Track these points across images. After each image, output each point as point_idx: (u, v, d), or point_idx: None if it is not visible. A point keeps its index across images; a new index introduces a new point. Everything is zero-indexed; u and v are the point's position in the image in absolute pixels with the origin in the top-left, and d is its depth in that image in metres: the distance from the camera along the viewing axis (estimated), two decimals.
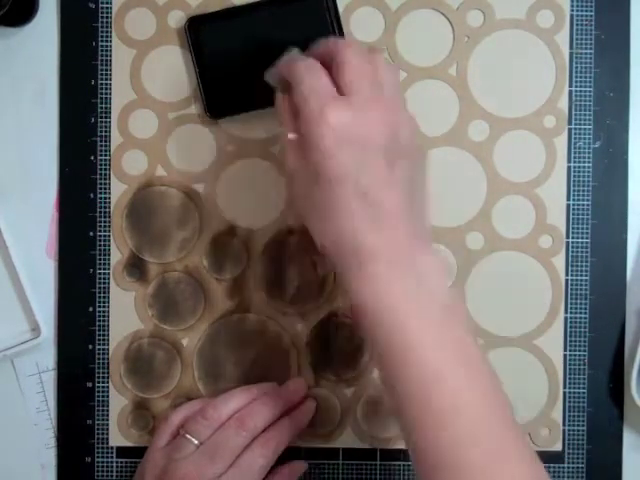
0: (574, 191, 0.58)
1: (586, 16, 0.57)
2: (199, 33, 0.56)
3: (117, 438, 0.58)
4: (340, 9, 0.57)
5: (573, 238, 0.58)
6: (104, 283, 0.58)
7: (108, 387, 0.58)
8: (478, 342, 0.47)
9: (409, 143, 0.46)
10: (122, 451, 0.58)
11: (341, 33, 0.56)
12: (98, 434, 0.58)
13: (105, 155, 0.58)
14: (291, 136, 0.46)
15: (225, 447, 0.53)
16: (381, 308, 0.44)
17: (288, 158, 0.47)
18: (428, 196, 0.49)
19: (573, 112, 0.57)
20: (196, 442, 0.53)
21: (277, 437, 0.54)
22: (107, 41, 0.57)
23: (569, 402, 0.58)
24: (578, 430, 0.58)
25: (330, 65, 0.46)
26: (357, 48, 0.47)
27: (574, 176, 0.58)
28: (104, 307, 0.58)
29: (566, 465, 0.58)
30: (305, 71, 0.46)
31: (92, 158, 0.58)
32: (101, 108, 0.57)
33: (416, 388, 0.44)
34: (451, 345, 0.45)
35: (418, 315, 0.44)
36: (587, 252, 0.58)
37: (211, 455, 0.52)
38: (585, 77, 0.57)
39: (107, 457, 0.58)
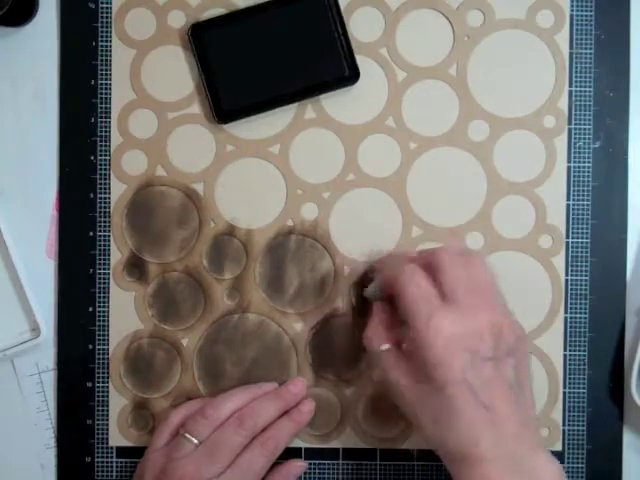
0: (574, 191, 0.58)
1: (586, 16, 0.57)
2: (203, 39, 0.56)
3: (117, 438, 0.58)
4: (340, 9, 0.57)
5: (573, 238, 0.58)
6: (104, 283, 0.58)
7: (108, 387, 0.58)
8: None
9: (513, 340, 0.48)
10: (122, 451, 0.58)
11: (344, 32, 0.56)
12: (98, 434, 0.58)
13: (105, 155, 0.58)
14: (385, 347, 0.49)
15: (225, 446, 0.53)
16: None
17: (388, 368, 0.49)
18: (532, 392, 0.50)
19: (573, 112, 0.57)
20: (195, 441, 0.53)
21: (277, 437, 0.54)
22: (107, 41, 0.57)
23: (569, 402, 0.58)
24: (578, 430, 0.58)
25: (427, 268, 0.49)
26: (453, 252, 0.49)
27: (574, 176, 0.58)
28: (104, 307, 0.58)
29: (566, 465, 0.58)
30: (410, 278, 0.48)
31: (92, 158, 0.58)
32: (101, 108, 0.57)
33: None
34: None
35: None
36: (587, 252, 0.58)
37: (210, 454, 0.52)
38: (585, 77, 0.57)
39: (107, 457, 0.58)
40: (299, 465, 0.57)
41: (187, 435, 0.53)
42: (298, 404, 0.57)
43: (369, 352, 0.51)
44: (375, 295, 0.53)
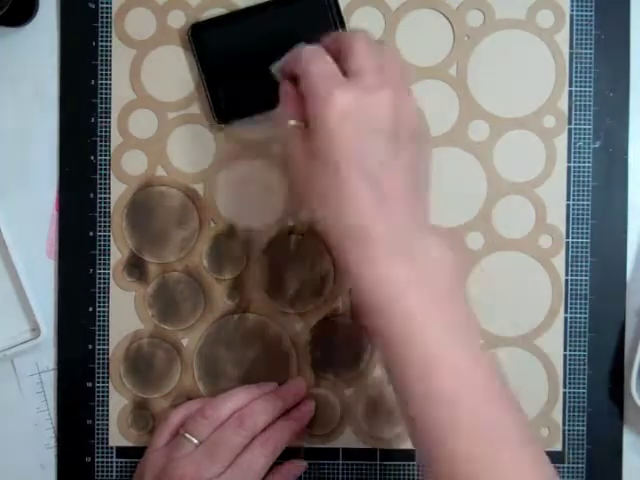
0: (574, 191, 0.58)
1: (586, 16, 0.57)
2: (202, 40, 0.56)
3: (117, 438, 0.58)
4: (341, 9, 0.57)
5: (573, 238, 0.58)
6: (104, 283, 0.58)
7: (108, 387, 0.58)
8: (478, 324, 0.46)
9: (413, 129, 0.46)
10: (122, 451, 0.58)
11: (343, 29, 0.56)
12: (98, 434, 0.58)
13: (105, 155, 0.58)
14: (292, 122, 0.47)
15: (224, 446, 0.53)
16: (380, 292, 0.44)
17: (290, 145, 0.47)
18: (429, 183, 0.48)
19: (573, 112, 0.57)
20: (195, 441, 0.53)
21: (277, 437, 0.54)
22: (107, 41, 0.57)
23: (569, 402, 0.58)
24: (578, 430, 0.58)
25: (337, 55, 0.47)
26: (366, 37, 0.47)
27: (574, 176, 0.58)
28: (104, 307, 0.58)
29: (566, 465, 0.58)
30: (312, 56, 0.46)
31: (92, 158, 0.58)
32: (101, 108, 0.57)
33: (417, 371, 0.44)
34: (452, 329, 0.44)
35: (418, 299, 0.44)
36: (587, 252, 0.58)
37: (210, 454, 0.52)
38: (585, 77, 0.57)
39: (107, 457, 0.58)
40: (299, 465, 0.57)
41: (187, 435, 0.53)
42: (298, 404, 0.57)
43: (280, 130, 0.48)
44: (279, 72, 0.50)
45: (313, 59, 0.46)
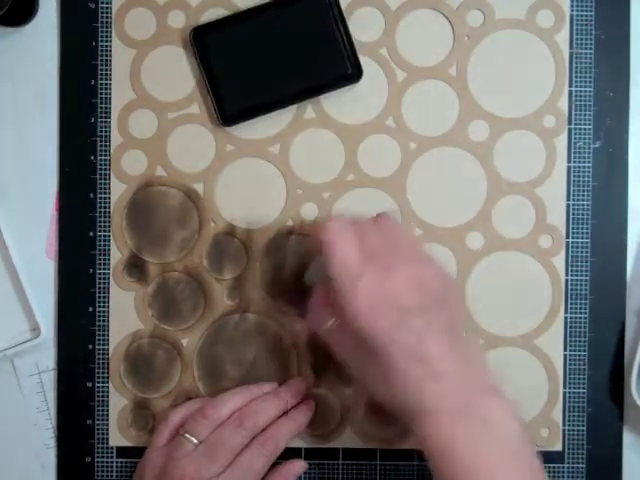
0: (574, 191, 0.58)
1: (586, 16, 0.57)
2: (204, 43, 0.56)
3: (117, 438, 0.58)
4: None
5: (573, 238, 0.58)
6: (104, 283, 0.58)
7: (108, 387, 0.58)
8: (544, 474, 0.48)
9: (438, 288, 0.48)
10: (122, 451, 0.58)
11: (346, 30, 0.56)
12: (98, 434, 0.58)
13: (105, 155, 0.58)
14: (327, 325, 0.50)
15: (224, 446, 0.53)
16: (449, 458, 0.46)
17: (334, 344, 0.50)
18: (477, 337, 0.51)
19: (573, 112, 0.57)
20: (195, 441, 0.53)
21: (276, 436, 0.54)
22: (107, 41, 0.57)
23: (569, 402, 0.58)
24: (578, 430, 0.58)
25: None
26: (365, 221, 0.51)
27: (574, 176, 0.58)
28: (104, 307, 0.58)
29: (566, 465, 0.58)
30: (330, 248, 0.49)
31: (92, 158, 0.58)
32: (101, 108, 0.57)
33: None
34: None
35: (487, 460, 0.46)
36: (587, 252, 0.58)
37: (210, 454, 0.52)
38: (585, 77, 0.57)
39: (107, 457, 0.58)
40: (299, 465, 0.57)
41: (187, 435, 0.53)
42: (298, 404, 0.57)
43: (317, 333, 0.51)
44: (313, 278, 0.52)
45: (330, 251, 0.48)
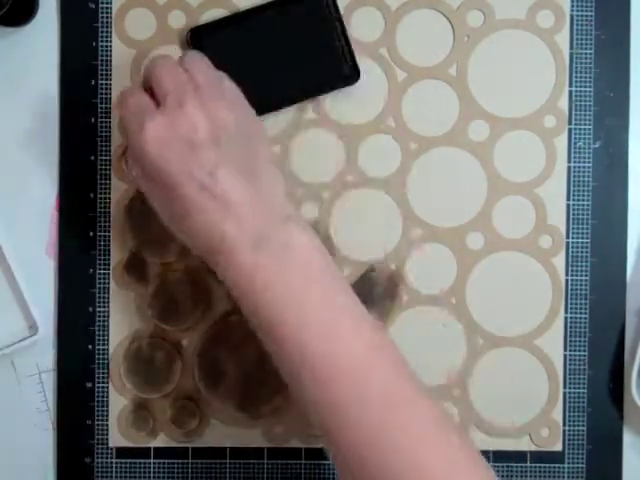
0: (574, 191, 0.58)
1: (586, 16, 0.57)
2: (202, 43, 0.56)
3: (117, 438, 0.58)
4: (340, 9, 0.57)
5: (573, 238, 0.58)
6: (104, 283, 0.58)
7: (108, 387, 0.58)
8: (344, 279, 0.49)
9: (232, 125, 0.48)
10: (122, 452, 0.58)
11: (344, 32, 0.56)
12: (98, 434, 0.58)
13: (105, 155, 0.58)
14: (134, 171, 0.49)
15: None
16: (252, 291, 0.46)
17: (143, 189, 0.49)
18: (273, 170, 0.50)
19: (573, 112, 0.57)
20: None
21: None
22: (107, 41, 0.57)
23: (569, 402, 0.58)
24: (578, 430, 0.58)
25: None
26: (165, 60, 0.49)
27: (574, 176, 0.58)
28: (104, 307, 0.58)
29: (566, 465, 0.58)
30: (125, 94, 0.49)
31: (92, 158, 0.58)
32: (101, 108, 0.57)
33: (298, 349, 0.47)
34: (325, 305, 0.47)
35: (285, 284, 0.46)
36: (587, 252, 0.58)
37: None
38: (585, 77, 0.57)
39: (107, 457, 0.58)
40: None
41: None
42: None
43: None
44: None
45: (126, 96, 0.49)
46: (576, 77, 0.57)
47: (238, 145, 0.48)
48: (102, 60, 0.57)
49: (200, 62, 0.50)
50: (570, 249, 0.58)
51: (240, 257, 0.46)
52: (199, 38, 0.56)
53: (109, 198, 0.58)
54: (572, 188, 0.58)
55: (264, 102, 0.56)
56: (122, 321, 0.58)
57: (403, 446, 0.45)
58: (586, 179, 0.58)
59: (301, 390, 0.47)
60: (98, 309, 0.58)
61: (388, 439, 0.45)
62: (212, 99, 0.48)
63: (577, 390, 0.58)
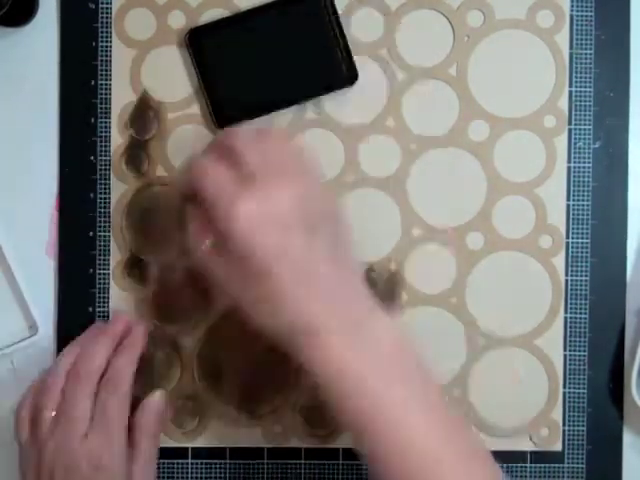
0: (574, 191, 0.58)
1: (586, 16, 0.57)
2: (200, 44, 0.56)
3: None
4: (340, 10, 0.57)
5: (573, 238, 0.58)
6: (104, 283, 0.58)
7: None
8: (433, 379, 0.48)
9: (321, 205, 0.47)
10: None
11: (341, 34, 0.56)
12: None
13: (105, 155, 0.58)
14: (208, 243, 0.47)
15: (76, 405, 0.52)
16: (338, 376, 0.46)
17: (212, 267, 0.47)
18: (356, 257, 0.50)
19: (573, 112, 0.57)
20: (52, 414, 0.52)
21: (115, 374, 0.53)
22: (107, 41, 0.57)
23: (569, 402, 0.58)
24: (578, 430, 0.58)
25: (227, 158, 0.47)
26: (246, 134, 0.48)
27: (574, 176, 0.58)
28: (104, 307, 0.58)
29: (566, 465, 0.58)
30: (205, 169, 0.47)
31: (92, 158, 0.58)
32: (101, 108, 0.57)
33: (386, 450, 0.45)
34: (412, 399, 0.46)
35: (376, 380, 0.46)
36: (587, 252, 0.58)
37: (67, 419, 0.52)
38: (585, 77, 0.57)
39: None
40: (156, 395, 0.55)
41: (43, 413, 0.52)
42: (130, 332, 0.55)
43: (197, 254, 0.49)
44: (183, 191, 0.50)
45: (205, 175, 0.47)
46: (576, 77, 0.57)
47: (328, 229, 0.47)
48: (102, 60, 0.57)
49: (283, 141, 0.49)
50: (570, 249, 0.58)
51: (329, 348, 0.46)
52: (197, 39, 0.56)
53: (109, 198, 0.58)
54: (572, 188, 0.58)
55: (261, 103, 0.56)
56: None
57: None
58: (586, 179, 0.58)
59: None
60: (98, 309, 0.58)
61: None
62: (301, 179, 0.47)
63: (577, 390, 0.58)
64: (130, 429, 0.53)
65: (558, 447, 0.58)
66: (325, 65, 0.56)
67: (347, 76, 0.56)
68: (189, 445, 0.58)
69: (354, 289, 0.48)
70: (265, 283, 0.46)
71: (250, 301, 0.47)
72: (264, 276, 0.45)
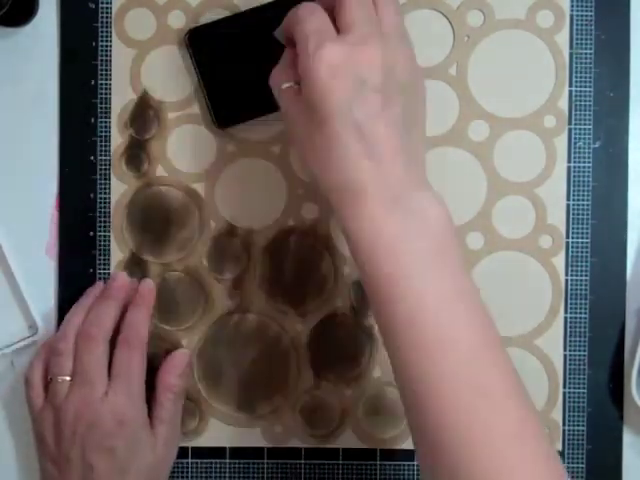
0: (574, 191, 0.58)
1: (586, 16, 0.57)
2: (200, 45, 0.56)
3: None
4: None
5: (573, 238, 0.58)
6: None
7: None
8: (471, 278, 0.47)
9: (406, 79, 0.47)
10: None
11: None
12: None
13: (105, 155, 0.58)
14: (286, 84, 0.47)
15: (92, 366, 0.53)
16: (376, 246, 0.45)
17: (285, 106, 0.48)
18: (424, 133, 0.49)
19: (573, 112, 0.57)
20: (67, 378, 0.53)
21: (132, 328, 0.54)
22: (107, 41, 0.57)
23: (569, 402, 0.58)
24: (578, 430, 0.58)
25: (333, 10, 0.47)
26: None
27: (574, 176, 0.58)
28: None
29: (566, 465, 0.58)
30: (305, 14, 0.47)
31: (92, 158, 0.58)
32: (101, 108, 0.57)
33: (410, 320, 0.44)
34: (447, 280, 0.45)
35: (412, 252, 0.45)
36: (587, 252, 0.58)
37: (85, 380, 0.52)
38: (585, 77, 0.57)
39: None
40: (182, 352, 0.56)
41: (57, 378, 0.53)
42: (137, 290, 0.56)
43: (275, 93, 0.49)
44: (281, 37, 0.51)
45: (306, 16, 0.47)
46: (576, 77, 0.57)
47: (405, 99, 0.47)
48: (102, 60, 0.57)
49: (393, 6, 0.48)
50: (570, 249, 0.58)
51: (372, 208, 0.45)
52: (197, 39, 0.56)
53: (109, 198, 0.58)
54: (572, 188, 0.58)
55: (261, 103, 0.56)
56: None
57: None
58: (586, 179, 0.58)
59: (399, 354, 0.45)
60: None
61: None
62: (394, 47, 0.46)
63: (577, 390, 0.58)
64: (152, 389, 0.55)
65: (558, 447, 0.58)
66: None
67: None
68: (189, 445, 0.58)
69: (409, 160, 0.46)
70: (325, 132, 0.45)
71: (309, 147, 0.47)
72: (326, 124, 0.45)
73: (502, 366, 0.46)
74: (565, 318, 0.58)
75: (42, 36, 0.57)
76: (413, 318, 0.44)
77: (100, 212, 0.58)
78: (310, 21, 0.46)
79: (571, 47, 0.57)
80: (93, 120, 0.57)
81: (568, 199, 0.58)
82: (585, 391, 0.58)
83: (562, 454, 0.58)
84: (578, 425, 0.58)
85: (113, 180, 0.58)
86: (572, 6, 0.57)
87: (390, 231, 0.45)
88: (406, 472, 0.58)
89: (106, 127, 0.57)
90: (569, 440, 0.58)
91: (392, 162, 0.45)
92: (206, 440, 0.58)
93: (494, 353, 0.46)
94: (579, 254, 0.58)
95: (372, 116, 0.45)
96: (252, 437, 0.58)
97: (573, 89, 0.57)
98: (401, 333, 0.45)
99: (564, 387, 0.58)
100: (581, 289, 0.58)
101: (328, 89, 0.45)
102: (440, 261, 0.45)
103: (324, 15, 0.47)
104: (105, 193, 0.58)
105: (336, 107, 0.45)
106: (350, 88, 0.45)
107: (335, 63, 0.45)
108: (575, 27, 0.57)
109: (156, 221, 0.58)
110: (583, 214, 0.58)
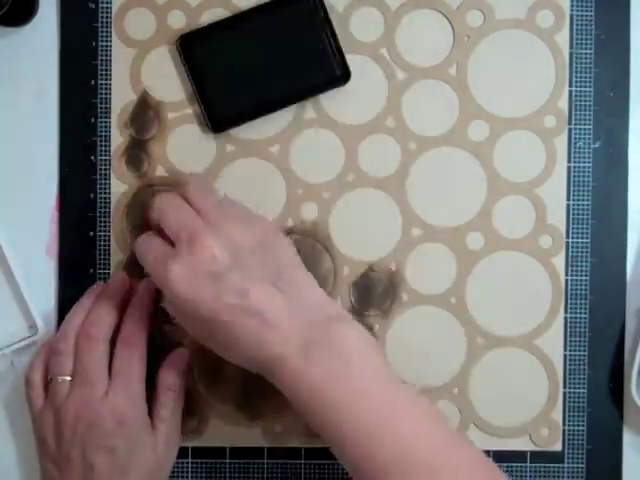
0: (574, 191, 0.58)
1: (586, 16, 0.57)
2: (192, 50, 0.56)
3: None
4: (340, 9, 0.57)
5: (573, 238, 0.58)
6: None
7: None
8: (397, 379, 0.49)
9: (252, 243, 0.49)
10: None
11: (332, 32, 0.56)
12: None
13: (105, 155, 0.58)
14: (162, 304, 0.54)
15: (92, 366, 0.53)
16: (308, 393, 0.47)
17: (188, 330, 0.52)
18: (305, 274, 0.52)
19: (573, 112, 0.57)
20: (68, 378, 0.53)
21: (132, 328, 0.54)
22: (107, 41, 0.57)
23: (569, 402, 0.58)
24: (578, 430, 0.58)
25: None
26: (165, 199, 0.52)
27: (574, 176, 0.58)
28: None
29: (566, 465, 0.58)
30: (140, 242, 0.51)
31: (92, 158, 0.58)
32: (101, 108, 0.57)
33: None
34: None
35: (346, 390, 0.47)
36: (587, 252, 0.58)
37: (86, 380, 0.53)
38: (585, 77, 0.57)
39: None
40: (181, 351, 0.57)
41: (57, 378, 0.53)
42: (137, 290, 0.56)
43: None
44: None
45: (142, 246, 0.51)
46: (576, 77, 0.57)
47: (260, 258, 0.49)
48: (102, 60, 0.57)
49: (200, 190, 0.52)
50: (570, 249, 0.58)
51: (291, 366, 0.47)
52: (188, 45, 0.56)
53: (109, 198, 0.58)
54: (572, 188, 0.58)
55: (254, 106, 0.56)
56: None
57: None
58: (586, 179, 0.58)
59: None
60: None
61: None
62: (221, 222, 0.50)
63: (577, 390, 0.58)
64: (152, 388, 0.55)
65: (558, 447, 0.58)
66: (318, 65, 0.56)
67: (340, 74, 0.56)
68: (189, 445, 0.58)
69: (302, 304, 0.49)
70: (218, 331, 0.48)
71: (220, 350, 0.50)
72: (217, 325, 0.48)
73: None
74: (565, 318, 0.58)
75: (42, 36, 0.57)
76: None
77: (100, 212, 0.58)
78: (145, 253, 0.51)
79: (571, 47, 0.57)
80: (93, 120, 0.57)
81: (568, 199, 0.58)
82: (585, 391, 0.58)
83: (562, 454, 0.58)
84: (578, 425, 0.58)
85: (113, 180, 0.58)
86: (572, 6, 0.57)
87: (314, 376, 0.47)
88: None
89: (106, 127, 0.57)
90: (569, 440, 0.58)
91: (284, 317, 0.48)
92: (206, 440, 0.58)
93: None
94: (579, 254, 0.58)
95: (242, 292, 0.47)
96: (252, 437, 0.58)
97: (573, 89, 0.57)
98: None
99: (564, 387, 0.58)
100: (581, 289, 0.58)
101: (194, 299, 0.48)
102: (369, 387, 0.48)
103: (153, 239, 0.51)
104: (105, 193, 0.58)
105: (211, 308, 0.48)
106: (208, 285, 0.48)
107: (183, 276, 0.48)
108: (575, 27, 0.57)
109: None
110: (583, 214, 0.58)
